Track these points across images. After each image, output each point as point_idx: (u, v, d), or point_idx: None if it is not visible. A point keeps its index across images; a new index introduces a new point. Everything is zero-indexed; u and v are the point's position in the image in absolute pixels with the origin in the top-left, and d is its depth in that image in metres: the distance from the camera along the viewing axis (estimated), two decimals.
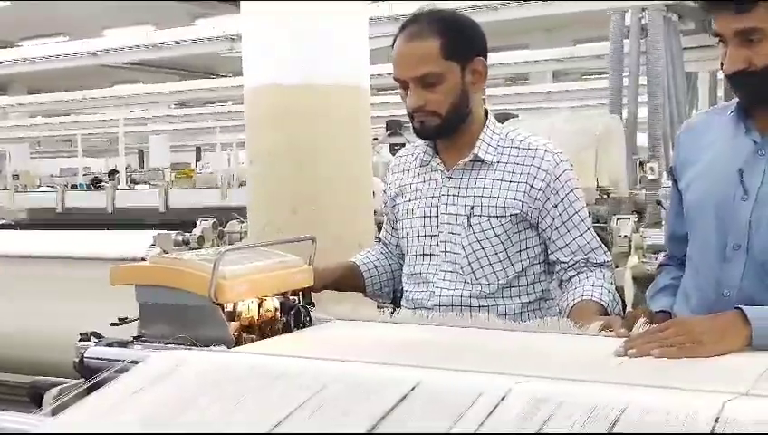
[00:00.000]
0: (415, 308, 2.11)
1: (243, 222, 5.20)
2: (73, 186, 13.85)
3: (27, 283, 4.04)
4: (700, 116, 2.08)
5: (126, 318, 1.80)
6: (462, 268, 2.12)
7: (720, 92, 9.77)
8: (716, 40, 1.71)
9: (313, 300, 1.93)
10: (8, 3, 14.86)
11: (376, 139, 9.87)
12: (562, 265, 2.12)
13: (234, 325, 1.68)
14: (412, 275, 2.21)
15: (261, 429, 1.11)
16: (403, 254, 2.27)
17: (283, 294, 1.81)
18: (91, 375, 1.54)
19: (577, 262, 2.11)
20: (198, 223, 4.87)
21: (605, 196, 6.60)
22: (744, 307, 1.49)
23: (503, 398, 1.10)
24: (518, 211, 2.09)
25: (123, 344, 1.67)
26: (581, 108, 17.16)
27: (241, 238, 5.11)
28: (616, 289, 2.14)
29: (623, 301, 4.25)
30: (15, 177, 16.81)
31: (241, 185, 9.77)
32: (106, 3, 14.56)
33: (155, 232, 3.99)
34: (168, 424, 1.17)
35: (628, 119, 7.55)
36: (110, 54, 12.32)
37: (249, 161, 4.60)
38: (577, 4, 8.72)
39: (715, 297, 1.76)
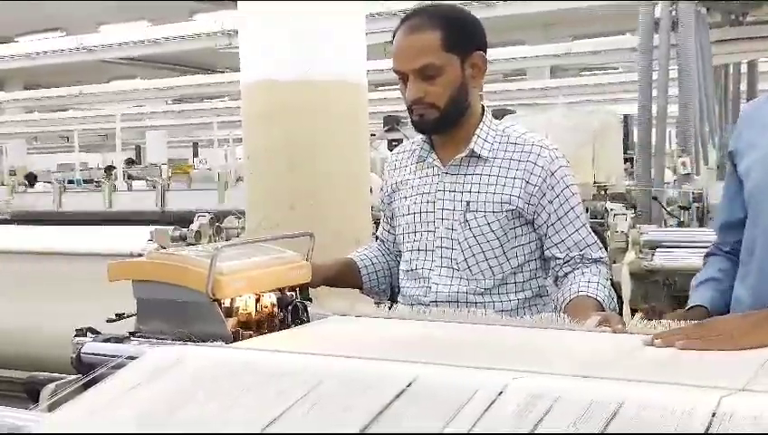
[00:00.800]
0: (411, 304, 2.11)
1: (240, 218, 5.20)
2: (70, 182, 13.82)
3: (23, 279, 4.04)
4: (762, 100, 2.03)
5: (122, 314, 1.80)
6: (458, 264, 2.13)
7: (743, 86, 9.68)
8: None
9: (310, 296, 1.93)
10: None
11: (373, 135, 9.87)
12: (558, 262, 2.12)
13: (231, 321, 1.68)
14: (409, 271, 2.21)
15: (258, 425, 1.11)
16: (400, 250, 2.27)
17: (281, 289, 1.81)
18: (87, 371, 1.54)
19: (572, 258, 2.11)
20: (196, 219, 4.88)
21: (602, 191, 6.61)
22: None
23: (500, 393, 1.10)
24: (514, 207, 2.09)
25: (120, 340, 1.67)
26: (579, 104, 17.20)
27: (238, 234, 5.11)
28: (613, 285, 2.14)
29: (620, 297, 4.29)
30: (12, 172, 16.78)
31: (238, 181, 9.76)
32: None
33: (152, 228, 4.00)
34: (165, 420, 1.17)
35: (658, 113, 7.41)
36: (106, 50, 12.31)
37: (246, 157, 4.60)
38: (573, 3, 8.68)
39: None
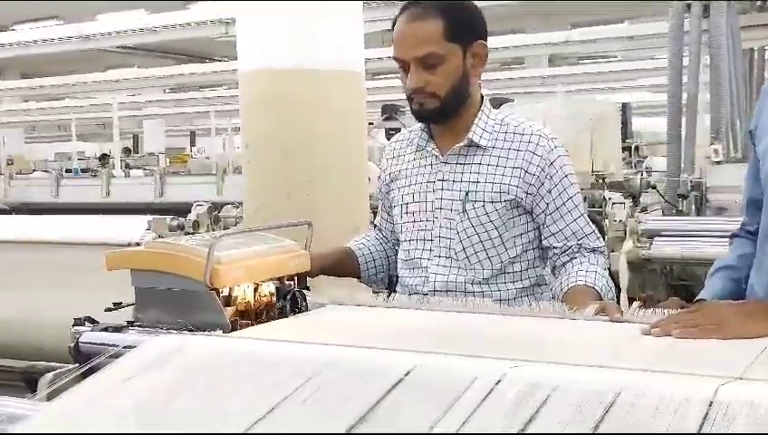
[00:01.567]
0: (410, 294, 2.11)
1: (238, 207, 5.21)
2: (68, 171, 13.79)
3: (21, 268, 4.04)
4: None
5: (120, 303, 1.80)
6: (456, 254, 2.13)
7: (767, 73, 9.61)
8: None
9: (308, 285, 1.93)
10: None
11: (371, 123, 9.86)
12: (556, 251, 2.13)
13: (230, 310, 1.68)
14: (407, 260, 2.21)
15: (257, 414, 1.11)
16: (398, 239, 2.27)
17: (279, 279, 1.81)
18: (85, 360, 1.54)
19: (570, 247, 2.11)
20: (193, 208, 4.88)
21: (600, 180, 6.61)
22: None
23: (497, 382, 1.10)
24: (513, 197, 2.09)
25: (118, 329, 1.67)
26: (577, 93, 17.18)
27: (236, 223, 5.12)
28: (610, 274, 2.14)
29: (618, 286, 4.29)
30: (10, 161, 16.74)
31: (236, 170, 9.74)
32: None
33: (150, 217, 4.00)
34: (163, 409, 1.17)
35: (688, 100, 7.31)
36: (103, 38, 12.27)
37: (244, 146, 4.60)
38: None
39: None
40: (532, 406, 1.04)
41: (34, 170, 15.86)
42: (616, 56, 18.19)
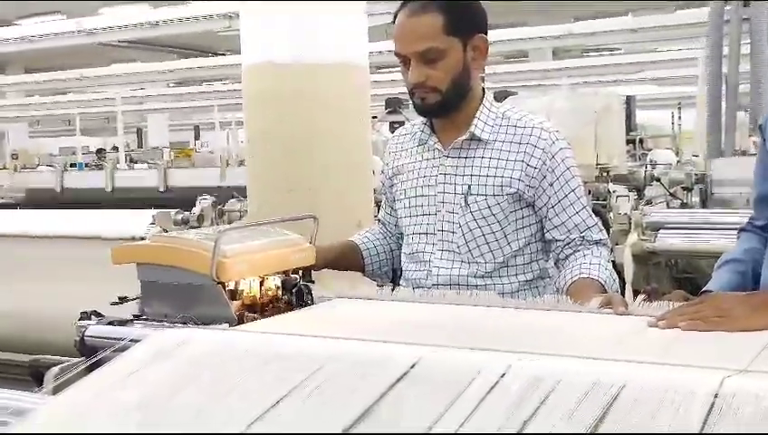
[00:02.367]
0: (413, 287, 2.11)
1: (242, 201, 5.21)
2: (72, 165, 13.82)
3: (26, 262, 4.05)
4: None
5: (126, 297, 1.80)
6: (459, 247, 2.13)
7: None
8: None
9: (313, 278, 1.93)
10: None
11: (375, 117, 9.85)
12: (558, 244, 2.12)
13: (236, 304, 1.68)
14: (410, 254, 2.21)
15: (262, 407, 1.12)
16: (402, 233, 2.27)
17: (285, 272, 1.81)
18: (91, 354, 1.55)
19: (573, 240, 2.11)
20: (198, 202, 4.89)
21: (605, 173, 6.60)
22: None
23: (502, 375, 1.10)
24: (515, 190, 2.09)
25: (123, 323, 1.68)
26: (581, 85, 17.15)
27: (240, 217, 5.12)
28: (615, 267, 2.14)
29: (622, 279, 4.29)
30: (14, 156, 16.78)
31: (240, 164, 9.75)
32: None
33: (154, 211, 4.00)
34: (168, 403, 1.17)
35: (728, 90, 7.22)
36: (107, 33, 12.27)
37: (247, 140, 4.60)
38: None
39: None
40: (537, 399, 1.04)
41: (39, 165, 15.90)
42: (620, 49, 18.16)
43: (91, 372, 1.36)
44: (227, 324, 1.60)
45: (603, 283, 2.01)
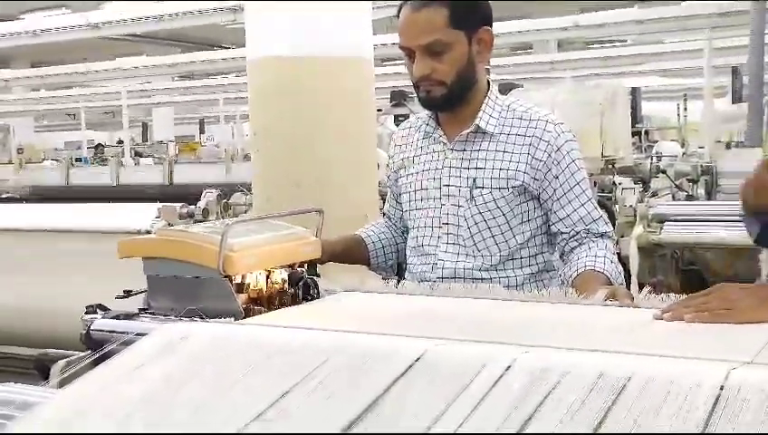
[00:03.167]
0: (418, 281, 2.11)
1: (247, 194, 5.21)
2: (78, 159, 13.85)
3: (32, 256, 4.05)
4: None
5: (131, 291, 1.81)
6: (464, 240, 2.13)
7: None
8: None
9: (318, 272, 1.94)
10: None
11: (380, 110, 9.84)
12: (564, 236, 2.12)
13: (242, 297, 1.68)
14: (415, 247, 2.21)
15: (267, 400, 1.12)
16: (407, 227, 2.27)
17: (291, 266, 1.82)
18: (97, 348, 1.55)
19: (578, 233, 2.11)
20: (203, 195, 4.89)
21: (610, 165, 6.59)
22: None
23: (508, 368, 1.10)
24: (520, 182, 2.09)
25: (129, 317, 1.68)
26: (586, 77, 17.11)
27: (246, 211, 5.12)
28: (620, 259, 2.14)
29: (628, 271, 4.29)
30: (20, 150, 16.80)
31: (245, 158, 9.75)
32: None
33: (159, 205, 4.00)
34: (174, 397, 1.17)
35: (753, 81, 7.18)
36: (112, 27, 12.27)
37: (253, 133, 4.60)
38: None
39: None
40: (543, 391, 1.04)
41: (44, 159, 15.92)
42: (626, 40, 18.11)
43: (96, 366, 1.36)
44: (233, 318, 1.61)
45: (608, 275, 2.01)
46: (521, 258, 2.14)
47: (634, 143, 10.53)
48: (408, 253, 2.26)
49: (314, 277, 1.85)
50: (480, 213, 2.11)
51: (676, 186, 6.37)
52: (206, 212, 4.64)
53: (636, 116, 12.28)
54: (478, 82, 2.13)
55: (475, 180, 2.11)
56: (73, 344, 1.68)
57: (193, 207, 4.28)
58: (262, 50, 4.35)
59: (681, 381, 1.01)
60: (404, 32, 2.07)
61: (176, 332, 1.37)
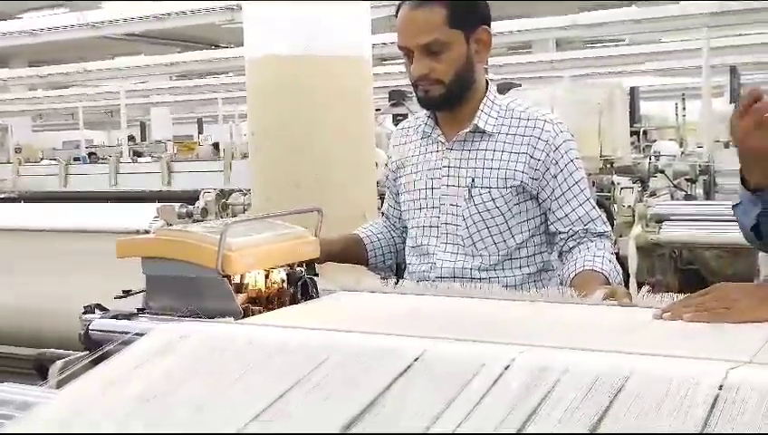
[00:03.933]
0: (417, 281, 2.11)
1: (245, 194, 5.21)
2: (75, 159, 13.85)
3: (31, 256, 4.05)
4: None
5: (130, 291, 1.81)
6: (463, 240, 2.13)
7: None
8: None
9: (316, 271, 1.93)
10: None
11: (379, 109, 9.84)
12: (562, 236, 2.12)
13: (241, 297, 1.68)
14: (414, 247, 2.21)
15: (266, 400, 1.12)
16: (406, 227, 2.27)
17: (290, 265, 1.81)
18: (95, 347, 1.55)
19: (576, 232, 2.11)
20: (201, 195, 4.89)
21: (609, 165, 6.59)
22: None
23: (506, 367, 1.10)
24: (518, 182, 2.09)
25: (128, 317, 1.68)
26: (585, 77, 17.11)
27: (244, 210, 5.12)
28: (619, 259, 2.14)
29: (627, 271, 4.29)
30: (18, 150, 16.79)
31: (244, 157, 9.75)
32: None
33: (158, 204, 4.00)
34: (172, 396, 1.17)
35: None
36: (110, 26, 12.25)
37: (251, 133, 4.59)
38: None
39: None
40: (542, 391, 1.04)
41: (42, 159, 15.90)
42: (624, 40, 18.11)
43: (95, 366, 1.36)
44: (233, 318, 1.60)
45: (607, 275, 2.01)
46: (519, 258, 2.14)
47: (632, 143, 10.53)
48: (406, 253, 2.26)
49: (313, 277, 1.85)
50: (479, 213, 2.11)
51: (675, 185, 6.37)
52: (204, 212, 4.64)
53: (634, 115, 12.28)
54: (477, 82, 2.13)
55: (473, 180, 2.11)
56: (72, 344, 1.68)
57: (191, 206, 4.29)
58: (260, 49, 4.34)
59: (680, 381, 1.01)
60: (402, 31, 2.08)
61: (175, 331, 1.37)
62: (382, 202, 2.50)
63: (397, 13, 2.10)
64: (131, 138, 19.19)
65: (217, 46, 18.03)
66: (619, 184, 5.91)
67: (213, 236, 1.67)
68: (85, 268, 3.66)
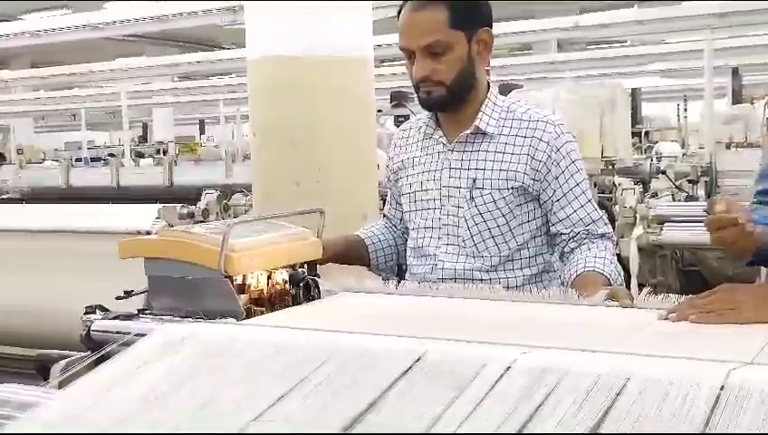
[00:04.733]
0: (418, 282, 2.11)
1: (247, 195, 5.21)
2: (78, 160, 13.86)
3: (34, 257, 4.05)
4: None
5: (131, 291, 1.81)
6: (464, 241, 2.13)
7: None
8: None
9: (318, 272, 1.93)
10: None
11: (380, 111, 9.84)
12: (563, 238, 2.12)
13: (243, 298, 1.68)
14: (415, 248, 2.21)
15: (268, 401, 1.12)
16: (407, 228, 2.27)
17: (292, 266, 1.82)
18: (97, 348, 1.55)
19: (578, 234, 2.11)
20: (203, 196, 4.90)
21: (610, 166, 6.59)
22: None
23: (508, 368, 1.10)
24: (520, 183, 2.09)
25: (129, 317, 1.68)
26: (586, 78, 17.10)
27: (246, 211, 5.13)
28: (620, 260, 2.14)
29: (628, 272, 4.29)
30: (20, 151, 16.80)
31: (245, 158, 9.75)
32: None
33: (160, 205, 4.00)
34: (174, 397, 1.17)
35: None
36: (112, 27, 12.26)
37: (252, 134, 4.59)
38: None
39: None
40: (543, 392, 1.04)
41: (44, 160, 15.91)
42: (626, 41, 18.10)
43: (96, 367, 1.36)
44: (235, 318, 1.61)
45: (608, 276, 2.01)
46: (521, 259, 2.14)
47: (634, 144, 10.53)
48: (408, 254, 2.26)
49: (315, 278, 1.85)
50: (480, 214, 2.11)
51: (677, 186, 6.37)
52: (206, 212, 4.65)
53: (636, 117, 12.28)
54: (478, 83, 2.13)
55: (474, 181, 2.11)
56: (73, 345, 1.68)
57: (193, 207, 4.29)
58: (262, 50, 4.34)
59: (681, 382, 1.01)
60: (404, 32, 2.08)
61: (176, 332, 1.37)
62: (383, 203, 2.50)
63: (399, 14, 2.10)
64: (143, 139, 19.18)
65: (220, 47, 18.04)
66: (620, 185, 5.90)
67: (215, 236, 1.67)
68: (87, 269, 3.66)
